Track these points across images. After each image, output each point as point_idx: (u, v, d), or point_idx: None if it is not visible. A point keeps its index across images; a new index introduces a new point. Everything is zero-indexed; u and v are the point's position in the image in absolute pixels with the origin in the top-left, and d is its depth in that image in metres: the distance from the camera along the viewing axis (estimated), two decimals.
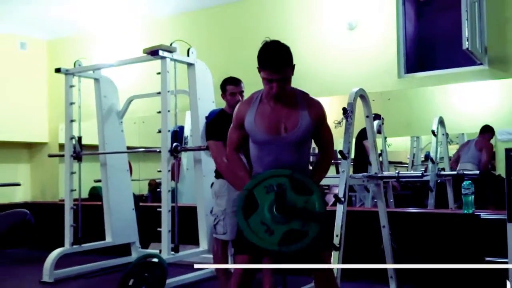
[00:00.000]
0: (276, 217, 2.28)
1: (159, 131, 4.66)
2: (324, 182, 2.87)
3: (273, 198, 2.29)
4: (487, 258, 3.90)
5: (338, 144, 3.65)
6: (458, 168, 5.29)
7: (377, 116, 4.90)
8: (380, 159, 4.91)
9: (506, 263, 3.70)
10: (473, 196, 4.33)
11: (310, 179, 2.47)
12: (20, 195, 7.45)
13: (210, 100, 5.03)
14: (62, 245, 5.28)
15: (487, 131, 5.22)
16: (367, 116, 3.99)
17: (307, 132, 2.51)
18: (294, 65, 2.48)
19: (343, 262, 3.40)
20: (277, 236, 2.27)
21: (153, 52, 4.65)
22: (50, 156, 6.70)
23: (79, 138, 5.46)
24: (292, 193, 2.32)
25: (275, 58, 2.40)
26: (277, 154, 2.49)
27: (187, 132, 6.10)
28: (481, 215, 4.09)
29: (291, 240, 2.27)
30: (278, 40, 2.49)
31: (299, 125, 2.48)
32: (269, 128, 2.48)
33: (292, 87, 2.55)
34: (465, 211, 4.32)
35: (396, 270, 4.13)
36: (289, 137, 2.48)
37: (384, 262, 4.10)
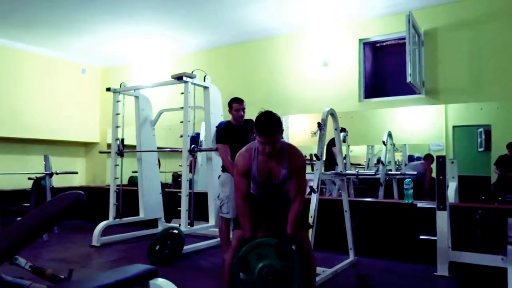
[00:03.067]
0: (265, 282, 2.19)
1: (181, 136, 4.65)
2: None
3: (262, 265, 2.20)
4: (421, 236, 3.89)
5: (314, 149, 3.63)
6: (401, 171, 5.30)
7: (343, 129, 4.89)
8: (345, 161, 4.90)
9: (435, 240, 3.70)
10: (412, 190, 4.32)
11: (291, 238, 2.36)
12: (77, 181, 7.43)
13: (219, 114, 5.01)
14: (107, 218, 5.26)
15: (429, 157, 5.21)
16: (335, 129, 3.98)
17: (286, 179, 2.51)
18: (283, 130, 2.46)
19: (316, 237, 3.38)
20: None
21: (178, 78, 4.64)
22: (100, 152, 6.67)
23: (122, 140, 5.44)
24: (276, 260, 2.22)
25: (267, 128, 2.37)
26: (267, 190, 2.60)
27: (202, 137, 6.07)
28: (418, 204, 4.07)
29: None
30: (270, 110, 2.46)
31: (280, 175, 2.49)
32: (264, 177, 2.52)
33: (282, 142, 2.51)
34: (406, 201, 4.31)
35: (354, 243, 4.12)
36: (275, 183, 2.53)
37: (346, 237, 4.08)
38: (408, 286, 3.43)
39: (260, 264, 2.19)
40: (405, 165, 5.60)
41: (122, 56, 7.03)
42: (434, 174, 4.29)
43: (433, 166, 4.54)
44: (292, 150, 2.51)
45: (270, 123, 2.38)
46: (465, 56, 4.64)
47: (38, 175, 5.80)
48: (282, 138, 2.52)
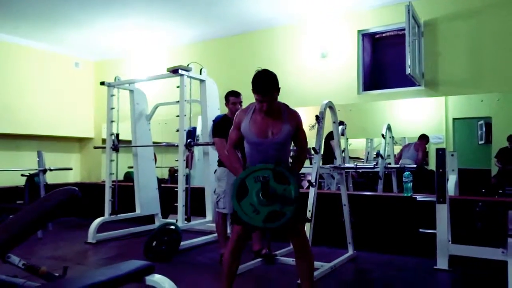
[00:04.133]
0: (262, 201, 2.29)
1: (177, 130, 4.63)
2: (301, 171, 2.83)
3: (260, 186, 2.29)
4: (421, 230, 3.90)
5: (312, 142, 3.62)
6: (400, 163, 5.30)
7: (341, 122, 4.89)
8: (343, 154, 4.90)
9: (435, 233, 3.71)
10: (411, 183, 4.32)
11: (290, 169, 2.46)
12: (72, 177, 7.41)
13: (216, 107, 5.00)
14: (103, 215, 5.25)
15: (423, 138, 5.23)
16: (334, 122, 3.98)
17: (288, 136, 2.51)
18: (279, 87, 2.47)
19: (314, 231, 3.39)
20: (262, 215, 2.29)
21: (174, 71, 4.62)
22: (95, 147, 6.65)
23: (117, 135, 5.42)
24: (274, 182, 2.31)
25: (264, 85, 2.41)
26: (265, 152, 2.48)
27: (198, 131, 6.07)
28: (417, 197, 4.08)
29: (273, 219, 2.28)
30: (267, 69, 2.48)
31: (282, 131, 2.48)
32: (260, 133, 2.48)
33: (278, 102, 2.54)
34: (405, 195, 4.31)
35: (353, 237, 4.13)
36: (274, 140, 2.48)
37: (345, 232, 4.09)
38: (407, 280, 3.45)
39: (257, 185, 2.30)
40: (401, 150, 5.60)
41: (116, 49, 7.00)
42: (432, 165, 4.30)
43: (432, 158, 4.55)
44: (289, 108, 2.60)
45: (267, 80, 2.42)
46: (465, 47, 4.64)
47: (31, 172, 5.78)
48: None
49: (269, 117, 2.49)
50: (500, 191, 4.62)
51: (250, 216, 2.29)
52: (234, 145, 2.63)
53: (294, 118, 2.55)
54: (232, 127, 2.64)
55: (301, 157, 2.69)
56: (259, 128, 2.49)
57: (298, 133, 2.58)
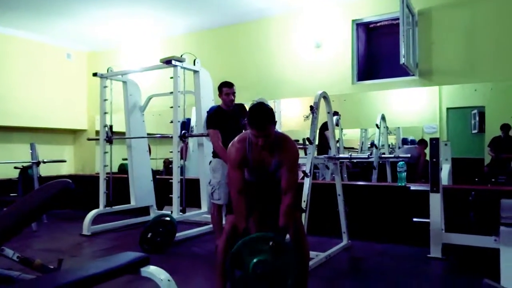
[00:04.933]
0: (259, 279, 2.14)
1: (171, 122, 4.61)
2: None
3: (257, 261, 2.14)
4: (415, 219, 3.93)
5: (306, 133, 3.62)
6: (395, 154, 5.33)
7: (336, 113, 4.88)
8: (338, 145, 4.91)
9: (428, 222, 3.75)
10: (405, 173, 4.35)
11: (285, 232, 2.36)
12: (66, 169, 7.37)
13: (210, 98, 4.98)
14: (97, 207, 5.23)
15: (423, 143, 5.24)
16: (328, 112, 3.98)
17: (278, 168, 2.49)
18: (275, 121, 2.41)
19: (309, 221, 3.41)
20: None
21: (167, 62, 4.59)
22: (89, 139, 6.60)
23: (111, 126, 5.39)
24: (271, 255, 2.16)
25: (260, 121, 2.33)
26: (261, 176, 2.58)
27: (193, 122, 6.05)
28: (411, 187, 4.11)
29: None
30: (263, 102, 2.45)
31: (272, 163, 2.48)
32: (258, 166, 2.51)
33: (276, 132, 2.46)
34: (399, 184, 4.34)
35: (348, 226, 4.16)
36: (268, 170, 2.52)
37: (339, 221, 4.12)
38: (401, 268, 3.49)
39: (254, 259, 2.15)
40: (399, 148, 5.63)
41: (108, 40, 6.93)
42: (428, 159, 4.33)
43: (427, 151, 4.58)
44: (284, 141, 2.48)
45: (262, 115, 2.34)
46: (459, 37, 4.64)
47: (24, 164, 5.75)
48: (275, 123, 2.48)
49: (263, 149, 2.45)
50: (493, 179, 4.66)
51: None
52: (240, 191, 2.44)
53: (283, 153, 2.45)
54: (230, 167, 2.52)
55: (288, 208, 2.39)
56: (256, 162, 2.49)
57: (285, 169, 2.44)
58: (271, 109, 2.42)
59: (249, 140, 2.46)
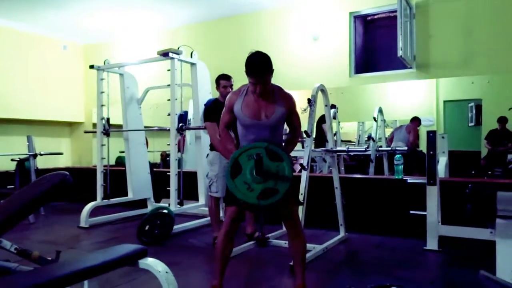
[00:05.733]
0: (255, 178, 2.27)
1: (169, 114, 4.61)
2: (292, 154, 2.84)
3: (253, 164, 2.28)
4: (411, 211, 3.95)
5: (304, 126, 3.62)
6: (392, 145, 5.33)
7: (333, 106, 4.89)
8: (335, 138, 4.91)
9: (425, 214, 3.76)
10: (402, 166, 4.36)
11: (283, 148, 2.49)
12: (63, 162, 7.36)
13: (207, 91, 4.97)
14: (95, 199, 5.24)
15: (415, 119, 5.26)
16: (326, 105, 3.98)
17: (281, 118, 2.51)
18: (273, 69, 2.45)
19: (306, 214, 3.42)
20: (256, 192, 2.27)
21: (164, 54, 4.57)
22: (86, 132, 6.60)
23: (108, 119, 5.38)
24: (267, 160, 2.30)
25: (258, 67, 2.38)
26: (258, 134, 2.48)
27: (190, 115, 6.03)
28: (408, 180, 4.12)
29: (267, 195, 2.27)
30: (260, 51, 2.45)
31: (275, 113, 2.47)
32: (253, 115, 2.47)
33: (271, 84, 2.52)
34: (396, 177, 4.35)
35: (345, 219, 4.17)
36: (267, 122, 2.47)
37: (336, 214, 4.13)
38: (398, 260, 3.51)
39: (251, 163, 2.29)
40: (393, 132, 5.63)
41: (105, 32, 6.88)
42: (422, 148, 4.34)
43: (422, 141, 4.58)
44: (282, 90, 2.58)
45: (260, 62, 2.40)
46: (457, 29, 4.63)
47: (21, 156, 5.74)
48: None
49: (262, 99, 2.47)
50: (490, 172, 4.68)
51: (244, 193, 2.28)
52: (227, 127, 2.63)
53: (287, 100, 2.55)
54: (224, 109, 2.62)
55: (294, 139, 2.70)
56: (252, 110, 2.47)
57: (291, 116, 2.58)
58: (269, 57, 2.44)
59: (245, 90, 2.54)
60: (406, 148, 4.95)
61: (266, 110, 2.47)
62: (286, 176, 2.28)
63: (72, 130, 7.70)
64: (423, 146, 4.82)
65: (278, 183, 2.27)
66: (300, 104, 5.09)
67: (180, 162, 4.84)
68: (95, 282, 2.06)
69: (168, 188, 4.61)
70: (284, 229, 4.02)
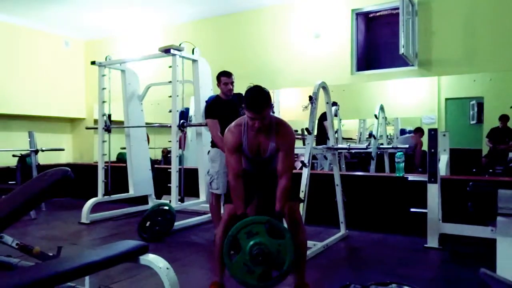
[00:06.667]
0: (256, 261, 2.17)
1: (170, 111, 4.60)
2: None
3: (253, 243, 2.17)
4: (412, 209, 3.95)
5: (305, 123, 3.62)
6: (392, 145, 5.34)
7: (334, 103, 4.88)
8: (336, 135, 4.91)
9: (426, 212, 3.76)
10: (403, 164, 4.35)
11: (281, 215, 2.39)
12: (64, 158, 7.36)
13: (209, 88, 4.96)
14: (96, 195, 5.25)
15: (419, 130, 5.24)
16: (327, 103, 3.97)
17: (274, 153, 2.50)
18: (272, 104, 2.45)
19: (307, 211, 3.42)
20: (256, 274, 2.19)
21: (166, 50, 4.56)
22: (87, 128, 6.60)
23: (109, 115, 5.38)
24: (267, 238, 2.19)
25: (256, 103, 2.34)
26: (257, 167, 2.61)
27: (191, 112, 6.03)
28: (409, 177, 4.12)
29: (268, 277, 2.20)
30: (259, 85, 2.43)
31: (268, 149, 2.49)
32: (253, 151, 2.52)
33: (271, 117, 2.47)
34: (397, 175, 4.34)
35: (345, 216, 4.17)
36: (264, 157, 2.52)
37: (337, 211, 4.13)
38: (398, 258, 3.51)
39: (250, 242, 2.18)
40: (397, 138, 5.64)
41: (106, 28, 6.87)
42: (425, 148, 4.34)
43: (424, 140, 4.57)
44: (280, 125, 2.49)
45: (259, 98, 2.36)
46: (459, 27, 4.61)
47: (23, 152, 5.74)
48: (273, 112, 2.50)
49: (259, 134, 2.47)
50: (491, 170, 4.68)
51: (244, 276, 2.19)
52: (237, 176, 2.45)
53: (281, 137, 2.46)
54: (227, 151, 2.52)
55: (284, 191, 2.41)
56: (253, 147, 2.50)
57: (281, 153, 2.44)
58: (268, 92, 2.42)
59: (245, 125, 2.48)
60: (406, 146, 4.95)
61: (263, 146, 2.50)
62: (288, 262, 2.18)
63: (74, 126, 7.70)
64: (424, 145, 4.83)
65: (278, 267, 2.19)
66: (302, 102, 5.09)
67: (181, 158, 4.85)
68: (96, 278, 2.07)
69: (169, 185, 4.62)
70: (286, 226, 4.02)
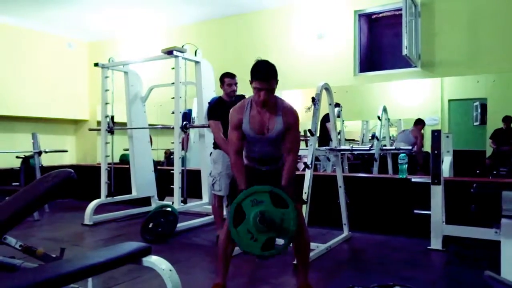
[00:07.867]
0: (259, 227, 2.18)
1: (173, 113, 4.61)
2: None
3: (257, 211, 2.19)
4: (415, 211, 3.94)
5: (308, 124, 3.61)
6: (394, 146, 5.32)
7: (337, 104, 4.87)
8: (339, 136, 4.91)
9: (429, 214, 3.75)
10: (406, 165, 4.34)
11: (287, 188, 2.37)
12: (67, 159, 7.38)
13: (211, 89, 4.97)
14: (99, 197, 5.25)
15: (420, 122, 5.23)
16: (330, 104, 3.96)
17: (280, 133, 2.47)
18: (278, 80, 2.43)
19: (310, 213, 3.41)
20: (260, 242, 2.21)
21: (169, 52, 4.57)
22: (90, 130, 6.60)
23: (112, 117, 5.38)
24: (271, 206, 2.21)
25: (264, 72, 2.36)
26: (261, 149, 2.52)
27: (194, 113, 6.04)
28: (412, 179, 4.11)
29: (271, 245, 2.22)
30: (267, 60, 2.44)
31: (275, 127, 2.45)
32: (258, 130, 2.46)
33: (275, 96, 2.48)
34: (400, 176, 4.34)
35: (348, 218, 4.16)
36: (269, 136, 2.47)
37: (340, 213, 4.12)
38: (401, 260, 3.49)
39: (254, 210, 2.21)
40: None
41: (109, 30, 6.89)
42: (426, 149, 4.32)
43: (427, 139, 4.56)
44: (284, 104, 2.51)
45: (267, 67, 2.38)
46: (462, 28, 4.60)
47: (26, 154, 5.76)
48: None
49: (265, 111, 2.45)
50: (494, 172, 4.66)
51: (248, 244, 2.21)
52: (238, 152, 2.49)
53: (287, 115, 2.47)
54: (230, 128, 2.54)
55: (290, 167, 2.49)
56: (257, 124, 2.46)
57: (289, 133, 2.47)
58: (274, 65, 2.43)
59: (249, 103, 2.49)
60: (409, 147, 4.94)
61: (269, 123, 2.46)
62: (291, 230, 2.20)
63: (77, 128, 7.73)
64: (428, 146, 4.81)
65: (281, 235, 2.21)
66: (305, 103, 5.09)
67: (184, 160, 4.85)
68: (99, 279, 2.07)
69: (171, 186, 4.62)
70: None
